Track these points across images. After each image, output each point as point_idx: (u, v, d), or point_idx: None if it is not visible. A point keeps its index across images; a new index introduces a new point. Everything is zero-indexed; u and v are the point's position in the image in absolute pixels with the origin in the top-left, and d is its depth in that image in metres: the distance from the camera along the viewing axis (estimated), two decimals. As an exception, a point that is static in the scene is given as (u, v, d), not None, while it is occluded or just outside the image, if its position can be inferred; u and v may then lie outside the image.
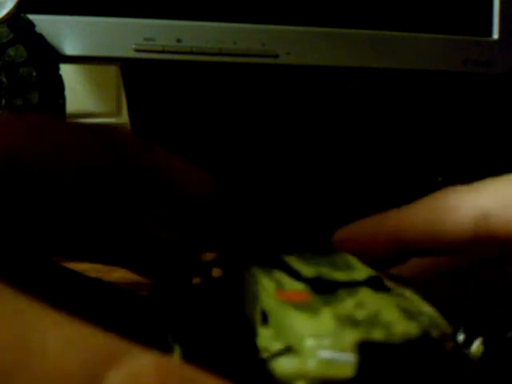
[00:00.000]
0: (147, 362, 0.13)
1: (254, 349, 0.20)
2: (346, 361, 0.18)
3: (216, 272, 0.25)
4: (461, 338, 0.20)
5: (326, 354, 0.18)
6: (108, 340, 0.13)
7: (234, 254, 0.25)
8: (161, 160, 0.23)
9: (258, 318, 0.20)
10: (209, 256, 0.26)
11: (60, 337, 0.13)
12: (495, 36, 0.56)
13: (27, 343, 0.12)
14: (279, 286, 0.21)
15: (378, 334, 0.18)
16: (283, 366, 0.18)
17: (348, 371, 0.18)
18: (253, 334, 0.20)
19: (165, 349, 0.20)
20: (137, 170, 0.23)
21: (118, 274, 0.29)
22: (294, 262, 0.23)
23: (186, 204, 0.24)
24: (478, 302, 0.26)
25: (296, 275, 0.22)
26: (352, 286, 0.21)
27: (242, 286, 0.23)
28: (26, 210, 0.22)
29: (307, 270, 0.22)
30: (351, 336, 0.18)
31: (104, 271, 0.27)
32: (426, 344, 0.19)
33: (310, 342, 0.18)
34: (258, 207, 0.57)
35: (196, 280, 0.26)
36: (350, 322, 0.19)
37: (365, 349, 0.18)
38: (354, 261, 0.24)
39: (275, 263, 0.23)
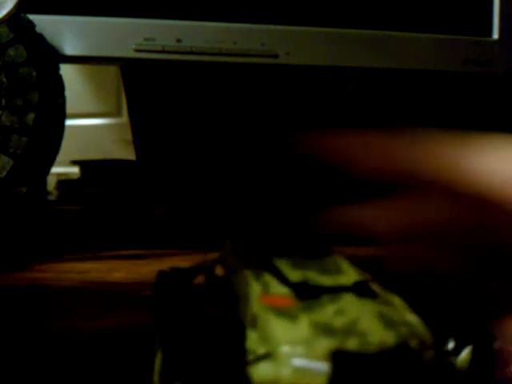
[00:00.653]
0: None
1: (243, 351, 0.20)
2: (318, 369, 0.18)
3: (219, 271, 0.25)
4: (450, 346, 0.20)
5: (299, 362, 0.18)
6: None
7: (234, 254, 0.26)
8: None
9: (248, 320, 0.20)
10: (211, 255, 0.26)
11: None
12: (495, 36, 0.56)
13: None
14: (265, 289, 0.21)
15: (352, 343, 0.18)
16: (260, 371, 0.18)
17: (320, 380, 0.18)
18: (243, 336, 0.20)
19: (151, 350, 0.20)
20: None
21: (118, 274, 0.29)
22: (283, 266, 0.23)
23: None
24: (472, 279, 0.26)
25: (283, 279, 0.22)
26: (337, 291, 0.21)
27: (237, 288, 0.23)
28: None
29: (294, 275, 0.22)
30: (325, 344, 0.18)
31: (104, 271, 0.27)
32: (403, 354, 0.19)
33: (285, 349, 0.18)
34: (258, 207, 0.57)
35: (200, 279, 0.26)
36: (327, 329, 0.19)
37: (338, 358, 0.18)
38: (344, 264, 0.24)
39: (266, 266, 0.23)
